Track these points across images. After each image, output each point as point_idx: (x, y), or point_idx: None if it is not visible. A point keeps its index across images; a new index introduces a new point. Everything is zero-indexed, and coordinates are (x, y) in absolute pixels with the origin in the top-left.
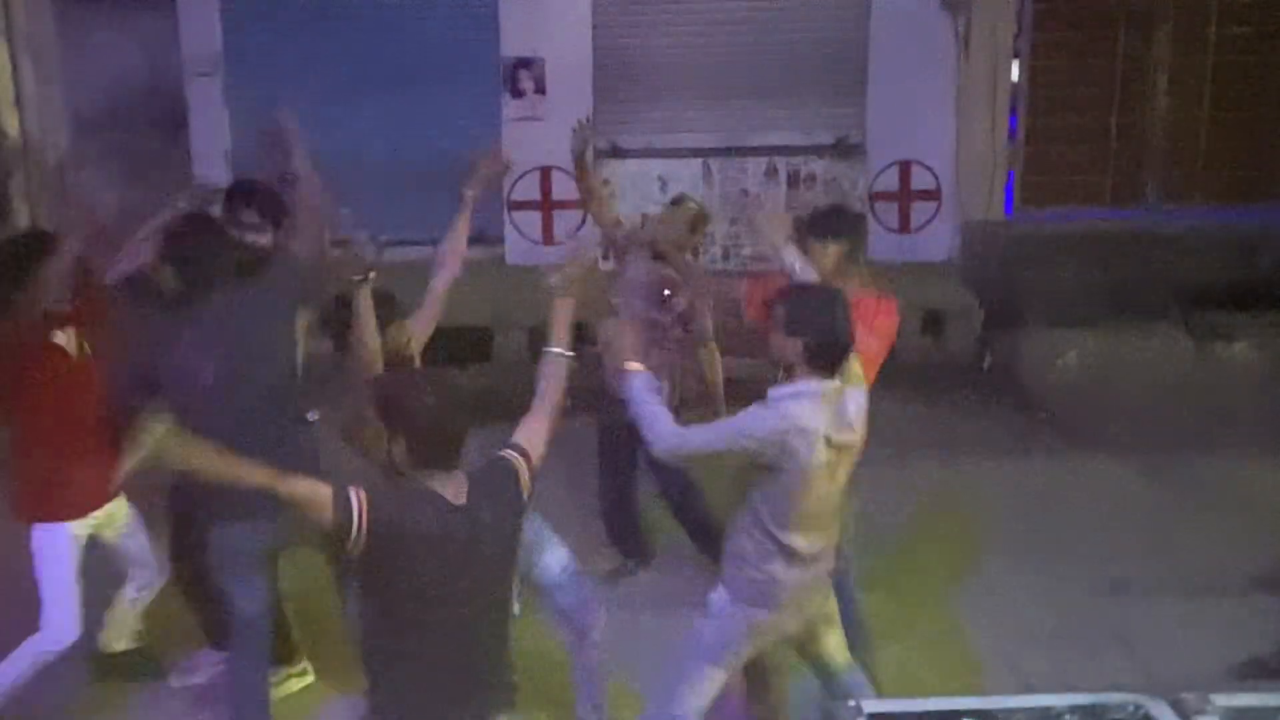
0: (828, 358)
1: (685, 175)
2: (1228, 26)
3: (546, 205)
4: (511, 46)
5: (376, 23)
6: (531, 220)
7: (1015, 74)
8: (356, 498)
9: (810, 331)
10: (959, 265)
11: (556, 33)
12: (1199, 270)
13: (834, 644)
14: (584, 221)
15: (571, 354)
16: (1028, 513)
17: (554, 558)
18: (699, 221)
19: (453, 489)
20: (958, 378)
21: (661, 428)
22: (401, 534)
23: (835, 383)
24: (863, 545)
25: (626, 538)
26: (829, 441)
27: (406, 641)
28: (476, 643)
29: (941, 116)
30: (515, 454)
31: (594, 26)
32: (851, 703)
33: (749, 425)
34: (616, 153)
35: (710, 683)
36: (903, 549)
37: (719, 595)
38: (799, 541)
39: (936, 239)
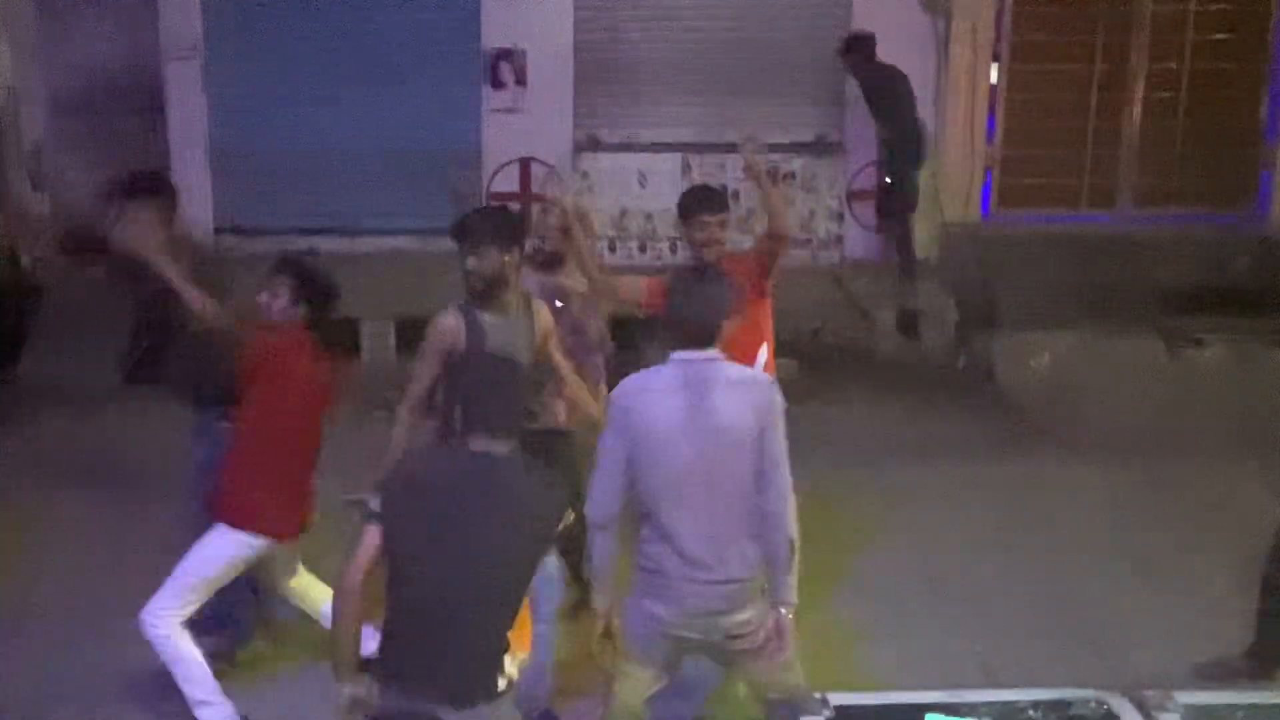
0: (682, 332)
1: (664, 170)
2: (1203, 34)
3: (526, 196)
4: (493, 38)
5: (358, 10)
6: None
7: (994, 77)
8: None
9: (669, 308)
10: (935, 266)
11: (538, 25)
12: (1172, 274)
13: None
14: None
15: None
16: (998, 512)
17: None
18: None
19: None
20: (932, 377)
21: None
22: (417, 483)
23: (695, 356)
24: (834, 543)
25: None
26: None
27: (401, 584)
28: (464, 609)
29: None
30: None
31: (575, 19)
32: (818, 695)
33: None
34: (596, 146)
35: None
36: (872, 547)
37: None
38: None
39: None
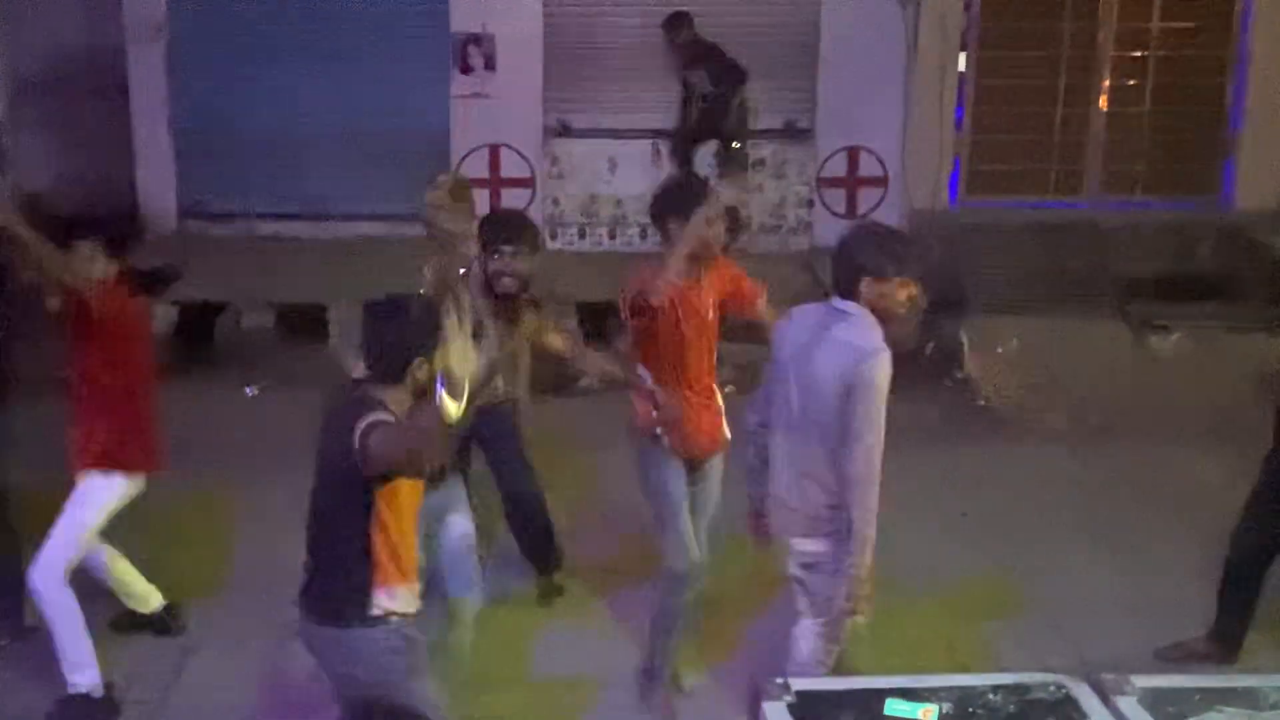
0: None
1: (634, 156)
2: (1169, 21)
3: (495, 182)
4: (461, 22)
5: None
6: (480, 198)
7: (963, 65)
8: None
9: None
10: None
11: (507, 9)
12: (1137, 260)
13: None
14: (532, 200)
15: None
16: (964, 495)
17: (459, 522)
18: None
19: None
20: (900, 363)
21: None
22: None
23: (836, 304)
24: None
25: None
26: None
27: None
28: (311, 526)
29: (890, 105)
30: (371, 424)
31: (545, 4)
32: (779, 679)
33: None
34: (565, 132)
35: None
36: None
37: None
38: None
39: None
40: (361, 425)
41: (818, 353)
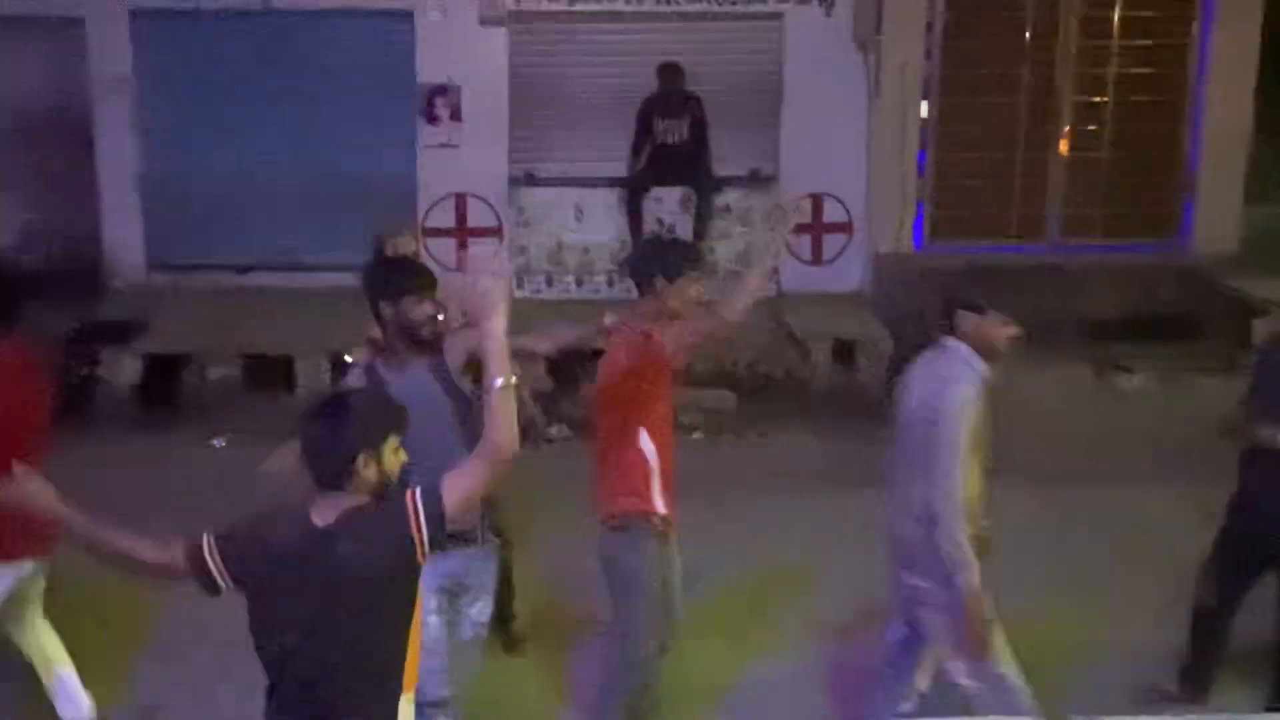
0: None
1: (600, 204)
2: (1126, 67)
3: (462, 231)
4: (428, 73)
5: (292, 44)
6: (446, 246)
7: (924, 111)
8: (208, 546)
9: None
10: (870, 296)
11: (473, 60)
12: (1100, 303)
13: None
14: (499, 247)
15: (514, 381)
16: None
17: (479, 605)
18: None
19: (326, 512)
20: (868, 407)
21: None
22: (255, 556)
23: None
24: (771, 572)
25: None
26: None
27: (266, 659)
28: (327, 674)
29: (853, 151)
30: (418, 494)
31: (510, 54)
32: None
33: None
34: (531, 181)
35: None
36: (809, 575)
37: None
38: None
39: (848, 270)
40: (415, 505)
41: (912, 386)
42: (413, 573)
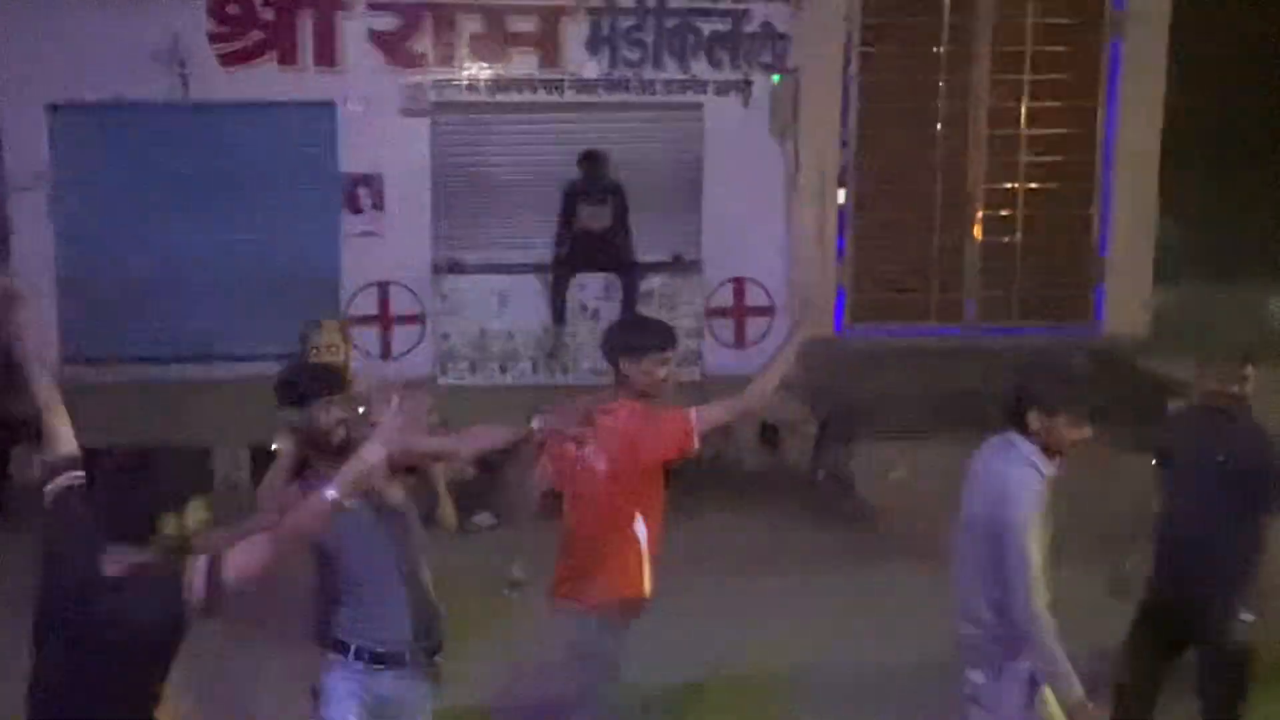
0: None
1: (525, 291)
2: (1036, 155)
3: (386, 320)
4: (351, 163)
5: (212, 136)
6: (369, 336)
7: (842, 198)
8: None
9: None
10: (793, 379)
11: (396, 149)
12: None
13: None
14: (423, 336)
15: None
16: (855, 623)
17: None
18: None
19: (115, 563)
20: (792, 489)
21: None
22: (47, 593)
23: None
24: (692, 653)
25: None
26: None
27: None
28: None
29: (773, 236)
30: (201, 560)
31: (433, 144)
32: None
33: None
34: (455, 268)
35: None
36: (729, 657)
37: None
38: None
39: (770, 354)
40: (195, 570)
41: (976, 483)
42: (179, 636)
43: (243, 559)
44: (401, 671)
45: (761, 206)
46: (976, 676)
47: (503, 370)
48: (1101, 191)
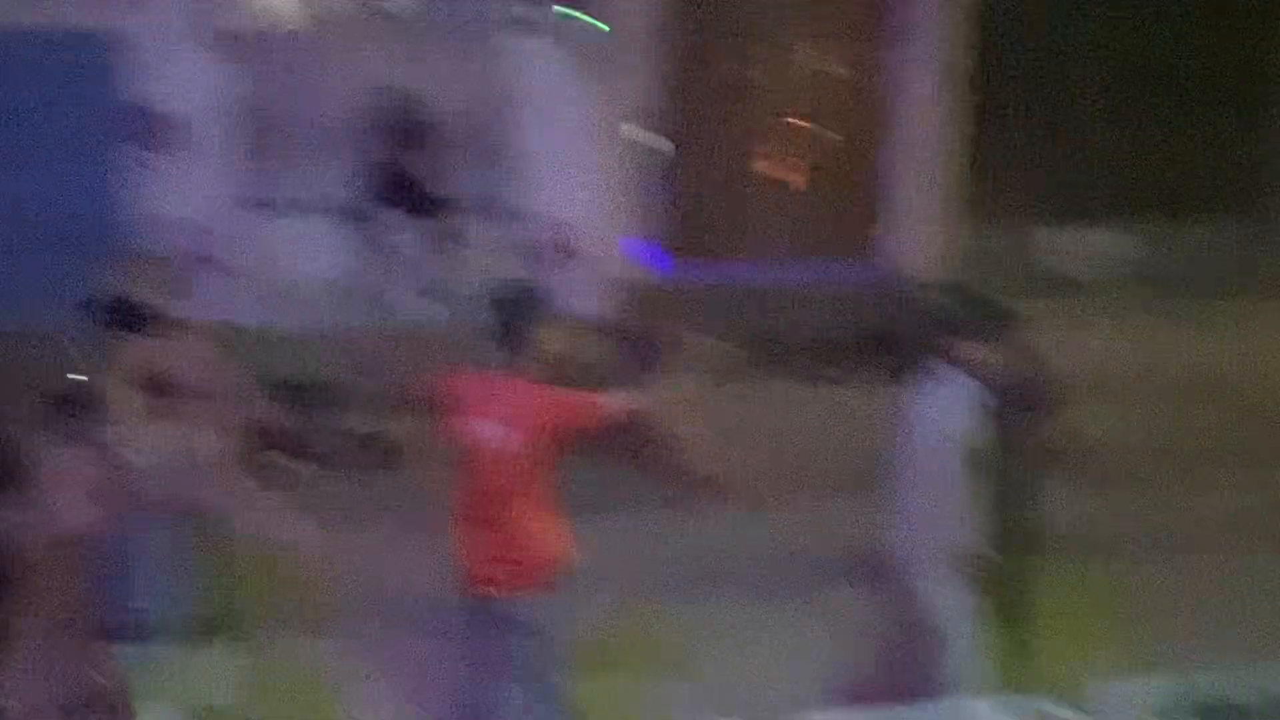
0: None
1: (331, 233)
2: (826, 97)
3: (184, 261)
4: (144, 96)
5: None
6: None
7: (656, 139)
8: None
9: None
10: (608, 321)
11: (196, 86)
12: (811, 323)
13: None
14: (221, 280)
15: None
16: (659, 558)
17: None
18: None
19: None
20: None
21: None
22: None
23: None
24: None
25: None
26: None
27: None
28: None
29: (589, 177)
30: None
31: (236, 80)
32: None
33: None
34: (258, 208)
35: None
36: None
37: None
38: None
39: (587, 295)
40: None
41: (913, 414)
42: None
43: None
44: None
45: (576, 147)
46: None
47: (309, 313)
48: (892, 134)
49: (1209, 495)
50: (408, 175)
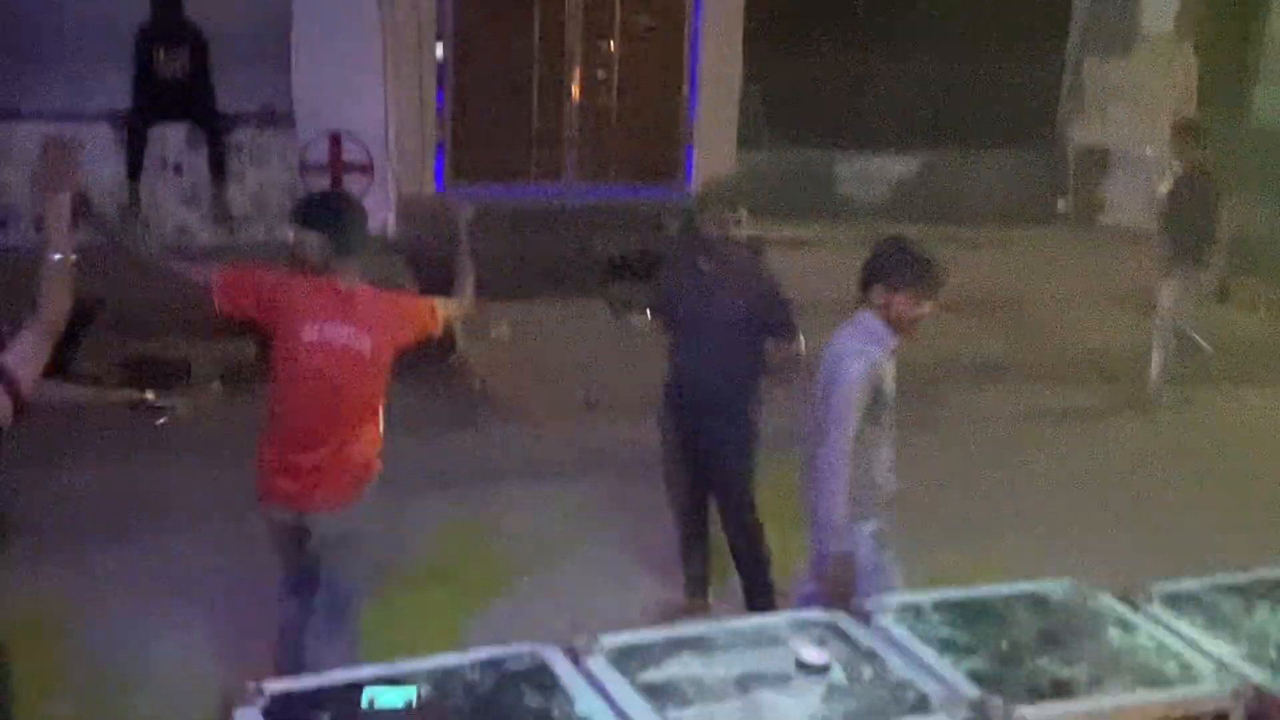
0: None
1: (93, 141)
2: (630, 16)
3: None
4: None
5: None
6: None
7: (440, 52)
8: None
9: None
10: (394, 239)
11: None
12: (614, 244)
13: None
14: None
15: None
16: (459, 480)
17: None
18: None
19: None
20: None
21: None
22: None
23: None
24: None
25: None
26: None
27: None
28: None
29: (371, 90)
30: None
31: None
32: (252, 684)
33: None
34: (13, 116)
35: None
36: None
37: None
38: None
39: (371, 212)
40: None
41: (824, 352)
42: None
43: (21, 352)
44: None
45: (356, 58)
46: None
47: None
48: (691, 57)
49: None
50: (177, 82)
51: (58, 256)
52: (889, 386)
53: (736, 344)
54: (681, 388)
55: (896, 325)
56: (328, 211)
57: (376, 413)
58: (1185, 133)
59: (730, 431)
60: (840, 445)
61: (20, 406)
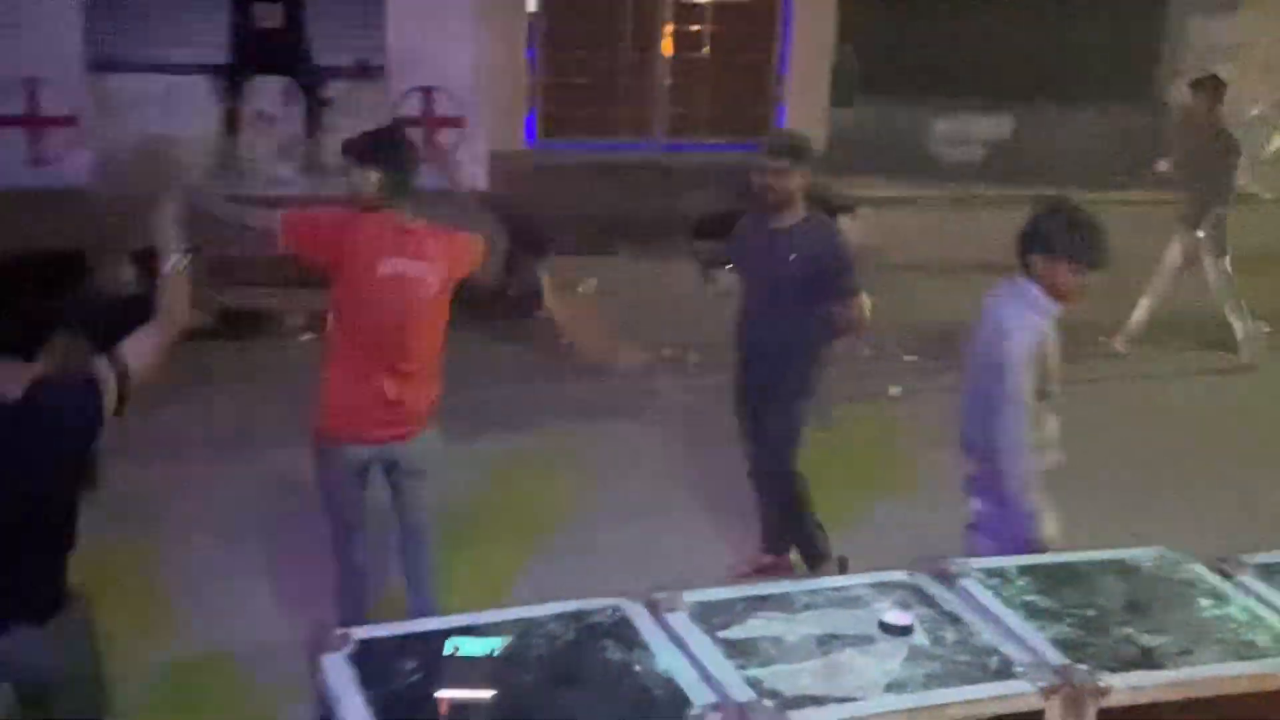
0: None
1: (193, 94)
2: None
3: (34, 121)
4: None
5: None
6: (15, 139)
7: (532, 7)
8: None
9: None
10: (485, 193)
11: None
12: (702, 200)
13: None
14: (76, 141)
15: (186, 258)
16: (535, 433)
17: None
18: None
19: (9, 383)
20: (485, 304)
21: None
22: None
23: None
24: None
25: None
26: None
27: None
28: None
29: (462, 45)
30: (109, 364)
31: None
32: (339, 629)
33: None
34: (111, 66)
35: None
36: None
37: None
38: None
39: (462, 167)
40: (101, 367)
41: (982, 321)
42: (95, 440)
43: (138, 346)
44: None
45: (449, 13)
46: (977, 504)
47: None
48: (783, 13)
49: None
50: (272, 35)
51: (173, 261)
52: (1054, 358)
53: (797, 302)
54: (745, 341)
55: (1059, 295)
56: (382, 148)
57: (441, 343)
58: (1207, 89)
59: (781, 386)
60: (1018, 426)
61: (124, 397)
